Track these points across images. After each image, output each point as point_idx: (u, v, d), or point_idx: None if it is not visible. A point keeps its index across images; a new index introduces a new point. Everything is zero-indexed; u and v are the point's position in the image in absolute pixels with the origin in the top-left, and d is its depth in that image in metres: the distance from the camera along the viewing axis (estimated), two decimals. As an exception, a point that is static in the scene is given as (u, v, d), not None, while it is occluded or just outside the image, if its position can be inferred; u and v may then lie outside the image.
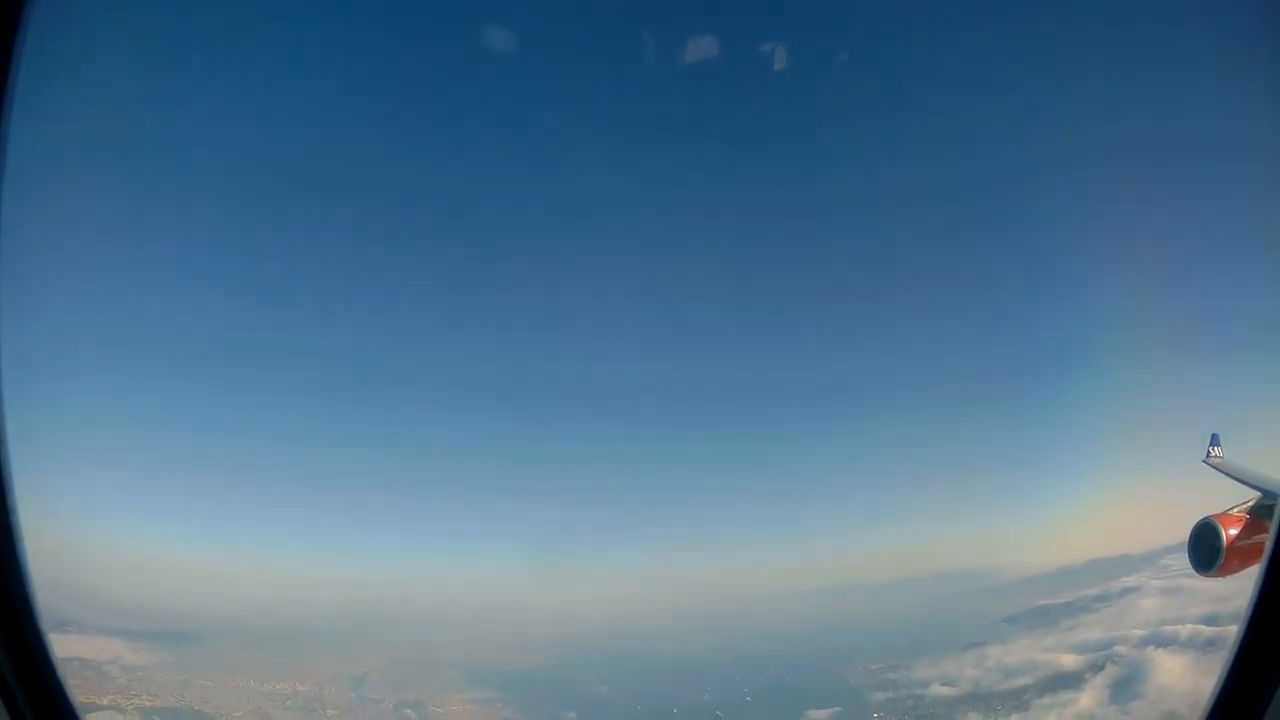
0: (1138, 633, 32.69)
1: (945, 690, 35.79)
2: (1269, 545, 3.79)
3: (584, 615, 58.31)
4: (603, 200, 75.82)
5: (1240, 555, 11.77)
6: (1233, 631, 3.81)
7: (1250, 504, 12.45)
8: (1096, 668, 32.63)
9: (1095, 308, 59.87)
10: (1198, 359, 65.26)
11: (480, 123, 72.20)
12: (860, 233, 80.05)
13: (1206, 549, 12.10)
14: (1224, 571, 12.05)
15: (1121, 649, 32.58)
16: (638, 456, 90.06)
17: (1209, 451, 17.68)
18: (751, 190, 79.61)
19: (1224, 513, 12.20)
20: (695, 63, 38.27)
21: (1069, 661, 34.33)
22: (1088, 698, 30.87)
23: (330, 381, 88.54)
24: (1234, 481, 15.21)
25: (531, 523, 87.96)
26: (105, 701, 40.85)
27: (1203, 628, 28.61)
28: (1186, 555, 12.65)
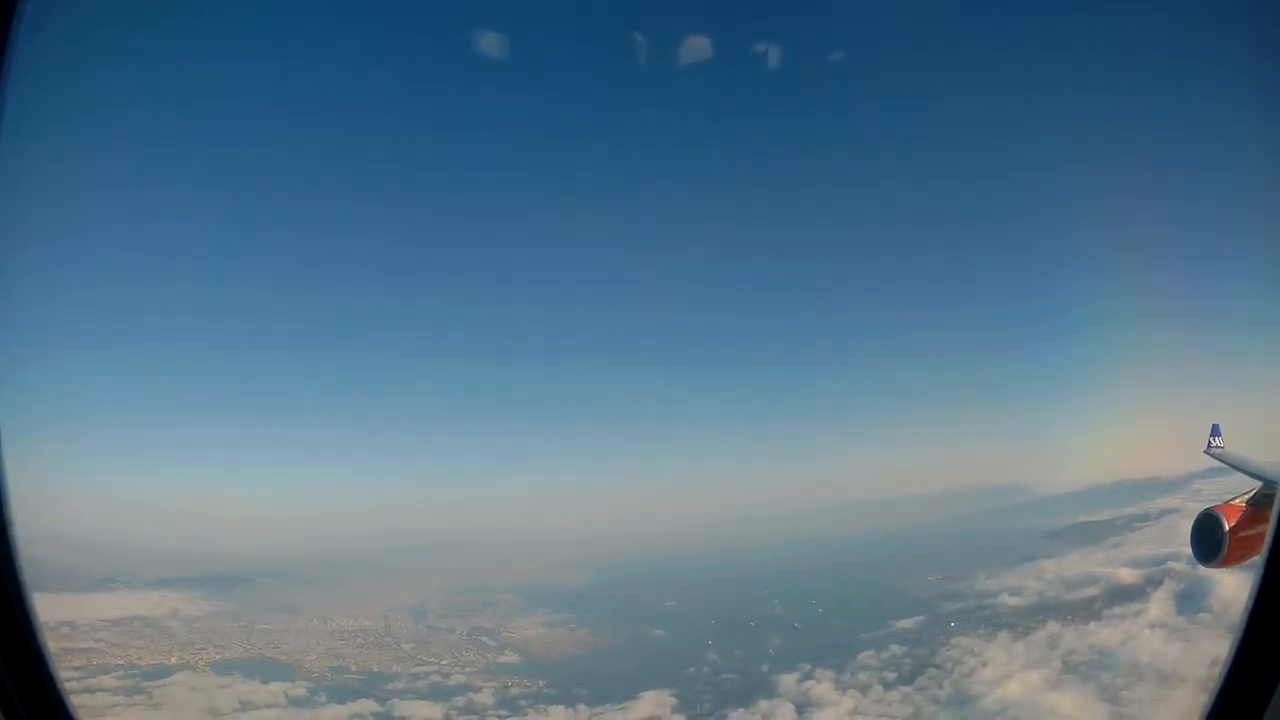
0: (1188, 550, 36.99)
1: (1015, 601, 40.07)
2: (1269, 535, 3.83)
3: (620, 534, 60.21)
4: (600, 186, 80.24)
5: (1243, 545, 11.66)
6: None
7: (1251, 494, 12.48)
8: (1155, 582, 35.99)
9: (1112, 268, 63.97)
10: (1209, 323, 72.74)
11: (478, 117, 71.07)
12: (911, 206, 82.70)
13: (1210, 540, 12.04)
14: (1228, 562, 12.02)
15: (1176, 565, 36.40)
16: (676, 388, 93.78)
17: (1210, 442, 18.05)
18: (770, 158, 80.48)
19: (1226, 503, 12.08)
20: (690, 63, 38.56)
21: (1127, 575, 38.01)
22: (1155, 609, 35.25)
23: (359, 330, 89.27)
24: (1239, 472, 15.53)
25: (561, 448, 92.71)
26: (173, 661, 39.44)
27: (1252, 548, 32.68)
28: (1190, 544, 12.68)
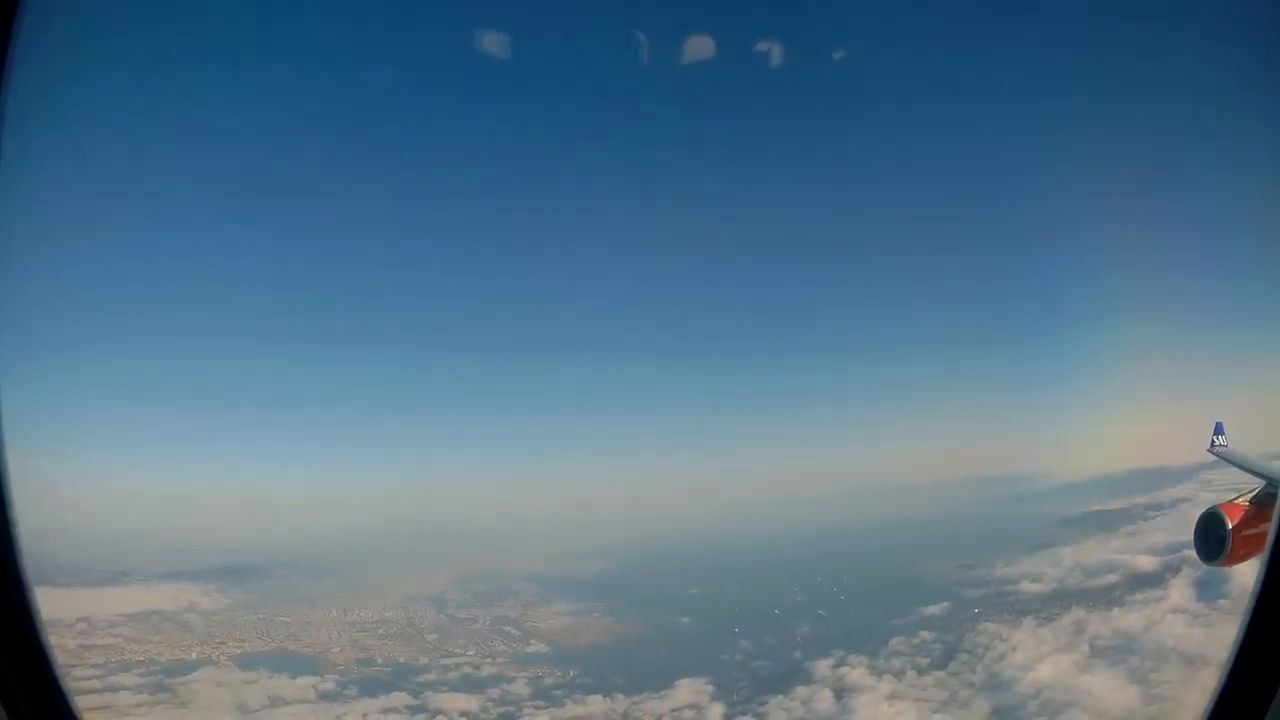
0: (1202, 542, 38.45)
1: (1036, 587, 41.35)
2: (1271, 534, 3.85)
3: (635, 523, 60.17)
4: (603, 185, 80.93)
5: (1247, 544, 11.59)
6: None
7: (1254, 492, 12.48)
8: (1173, 569, 37.11)
9: (1120, 263, 65.49)
10: (1214, 317, 75.25)
11: (479, 116, 72.87)
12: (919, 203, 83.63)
13: (1213, 539, 11.92)
14: (1231, 561, 11.89)
15: (1192, 553, 38.38)
16: (691, 379, 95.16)
17: (1213, 440, 18.07)
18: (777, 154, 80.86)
19: (1229, 502, 12.03)
20: (693, 62, 39.11)
21: (1145, 562, 39.11)
22: (1176, 595, 37.06)
23: (372, 324, 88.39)
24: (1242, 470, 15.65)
25: (572, 439, 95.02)
26: (195, 655, 38.29)
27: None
28: (1194, 543, 12.41)
